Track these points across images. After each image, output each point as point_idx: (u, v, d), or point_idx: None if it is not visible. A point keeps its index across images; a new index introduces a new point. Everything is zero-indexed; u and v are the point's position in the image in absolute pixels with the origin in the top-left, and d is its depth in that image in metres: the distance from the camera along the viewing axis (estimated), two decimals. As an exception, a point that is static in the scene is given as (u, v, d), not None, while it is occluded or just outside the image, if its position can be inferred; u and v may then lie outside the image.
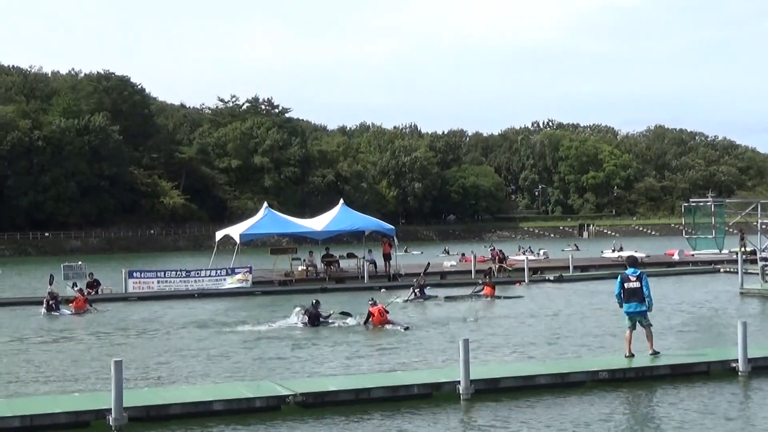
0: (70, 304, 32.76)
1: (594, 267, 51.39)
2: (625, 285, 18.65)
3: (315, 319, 27.33)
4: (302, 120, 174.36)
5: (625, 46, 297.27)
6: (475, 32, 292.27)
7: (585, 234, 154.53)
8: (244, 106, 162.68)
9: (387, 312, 27.20)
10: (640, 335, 18.84)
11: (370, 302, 27.81)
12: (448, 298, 35.31)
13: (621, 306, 18.91)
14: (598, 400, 16.09)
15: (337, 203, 50.05)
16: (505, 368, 18.80)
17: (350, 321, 27.72)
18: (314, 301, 28.41)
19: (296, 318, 27.94)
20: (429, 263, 44.89)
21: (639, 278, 18.74)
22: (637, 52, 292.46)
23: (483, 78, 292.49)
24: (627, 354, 18.75)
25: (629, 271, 19.01)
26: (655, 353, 18.80)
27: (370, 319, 26.78)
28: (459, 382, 16.07)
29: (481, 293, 35.25)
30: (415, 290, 35.55)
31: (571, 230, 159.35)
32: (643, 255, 55.15)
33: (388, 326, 26.39)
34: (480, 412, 15.27)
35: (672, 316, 28.24)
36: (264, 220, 47.39)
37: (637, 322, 18.75)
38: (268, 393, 15.93)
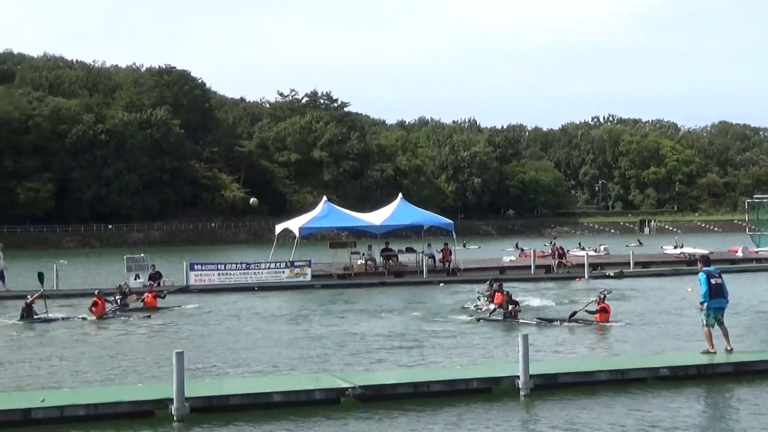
0: (140, 298, 32.32)
1: (655, 263, 50.83)
2: (711, 281, 18.68)
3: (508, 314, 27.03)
4: (361, 114, 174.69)
5: (688, 40, 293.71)
6: (536, 26, 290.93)
7: (646, 230, 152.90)
8: (303, 100, 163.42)
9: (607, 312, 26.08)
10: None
11: (601, 294, 26.64)
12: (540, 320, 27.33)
13: (703, 303, 18.77)
14: (660, 397, 15.92)
15: (396, 198, 50.05)
16: (564, 364, 18.70)
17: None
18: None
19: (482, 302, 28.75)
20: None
21: (719, 275, 19.01)
22: (701, 46, 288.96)
23: (543, 72, 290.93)
24: (711, 350, 18.65)
25: (710, 268, 19.16)
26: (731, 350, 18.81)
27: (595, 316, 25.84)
28: (518, 377, 16.02)
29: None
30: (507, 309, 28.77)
31: (631, 226, 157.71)
32: (706, 252, 54.46)
33: (609, 323, 25.60)
34: (539, 408, 15.20)
35: (736, 314, 27.75)
36: (323, 213, 47.52)
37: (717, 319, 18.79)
38: (328, 385, 15.99)
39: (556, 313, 28.08)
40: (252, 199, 55.38)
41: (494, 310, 27.41)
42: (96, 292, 30.28)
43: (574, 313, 25.98)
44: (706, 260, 19.96)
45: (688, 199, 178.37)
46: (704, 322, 18.93)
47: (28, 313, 28.56)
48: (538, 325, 25.77)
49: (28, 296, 30.02)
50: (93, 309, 29.11)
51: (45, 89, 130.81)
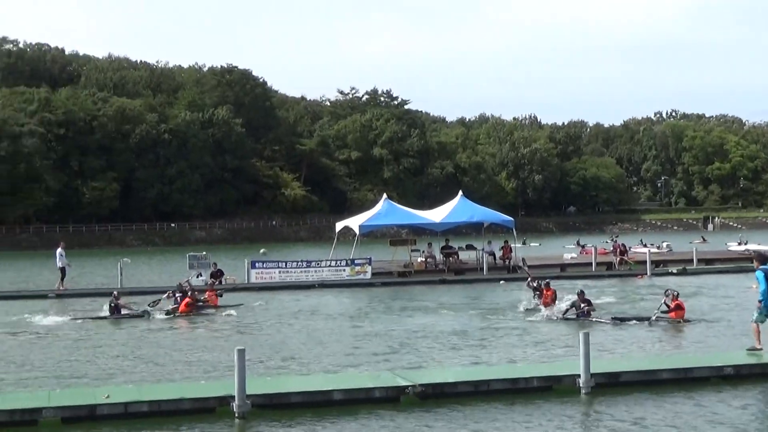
0: (204, 296, 32.26)
1: (719, 260, 50.05)
2: None
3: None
4: (421, 111, 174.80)
5: (751, 34, 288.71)
6: (596, 21, 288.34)
7: (709, 226, 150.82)
8: (364, 98, 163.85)
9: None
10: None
11: (673, 293, 26.11)
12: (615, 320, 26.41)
13: (761, 302, 18.44)
14: (724, 396, 15.73)
15: (456, 195, 49.97)
16: (626, 362, 18.52)
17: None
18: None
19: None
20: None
21: None
22: (766, 39, 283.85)
23: (604, 68, 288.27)
24: (758, 346, 18.39)
25: (767, 266, 18.72)
26: None
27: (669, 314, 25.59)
28: (579, 375, 15.93)
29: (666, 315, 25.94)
30: (581, 308, 26.98)
31: (694, 223, 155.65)
32: (765, 249, 53.61)
33: (684, 321, 25.28)
34: (600, 407, 15.10)
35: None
36: (383, 211, 47.59)
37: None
38: (388, 384, 16.04)
39: (620, 311, 27.86)
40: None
41: (566, 310, 27.02)
42: (189, 293, 30.74)
43: (650, 318, 25.58)
44: (762, 258, 19.54)
45: (753, 195, 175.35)
46: (754, 317, 18.63)
47: (115, 311, 29.15)
48: (613, 324, 25.34)
49: (114, 292, 30.74)
50: (183, 305, 29.68)
51: (110, 90, 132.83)
